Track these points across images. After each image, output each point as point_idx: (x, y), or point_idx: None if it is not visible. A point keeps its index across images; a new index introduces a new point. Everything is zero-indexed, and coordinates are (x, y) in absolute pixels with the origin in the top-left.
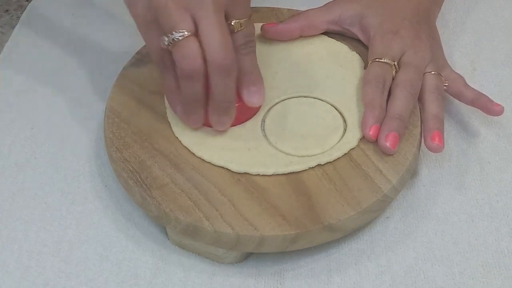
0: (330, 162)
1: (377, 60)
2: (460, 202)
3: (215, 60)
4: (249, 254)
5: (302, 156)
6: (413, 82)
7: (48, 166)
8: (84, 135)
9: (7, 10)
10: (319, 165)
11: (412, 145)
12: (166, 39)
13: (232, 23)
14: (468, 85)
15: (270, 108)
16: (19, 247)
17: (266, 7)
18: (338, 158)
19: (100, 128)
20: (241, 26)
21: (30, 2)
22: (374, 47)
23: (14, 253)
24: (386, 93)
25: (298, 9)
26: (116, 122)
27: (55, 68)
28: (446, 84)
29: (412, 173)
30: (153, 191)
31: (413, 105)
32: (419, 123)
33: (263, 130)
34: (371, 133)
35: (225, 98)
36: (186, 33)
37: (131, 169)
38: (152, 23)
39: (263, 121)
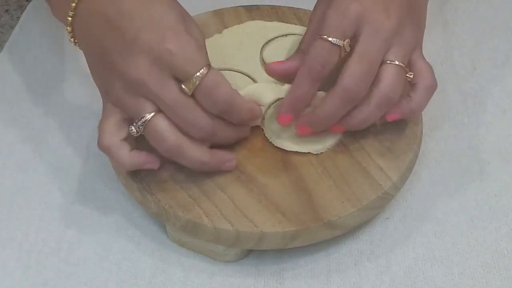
0: (330, 159)
1: (322, 36)
2: (459, 202)
3: None
4: (249, 252)
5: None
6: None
7: (48, 166)
8: (84, 135)
9: (7, 10)
10: (319, 160)
11: (413, 143)
12: None
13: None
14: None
15: (269, 106)
16: (19, 247)
17: (267, 5)
18: (338, 154)
19: None
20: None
21: (30, 2)
22: (324, 15)
23: (14, 253)
24: (318, 84)
25: (299, 7)
26: None
27: (55, 68)
28: (411, 76)
29: (412, 171)
30: (153, 188)
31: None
32: (419, 120)
33: (262, 127)
34: (280, 120)
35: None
36: None
37: None
38: None
39: (262, 118)
